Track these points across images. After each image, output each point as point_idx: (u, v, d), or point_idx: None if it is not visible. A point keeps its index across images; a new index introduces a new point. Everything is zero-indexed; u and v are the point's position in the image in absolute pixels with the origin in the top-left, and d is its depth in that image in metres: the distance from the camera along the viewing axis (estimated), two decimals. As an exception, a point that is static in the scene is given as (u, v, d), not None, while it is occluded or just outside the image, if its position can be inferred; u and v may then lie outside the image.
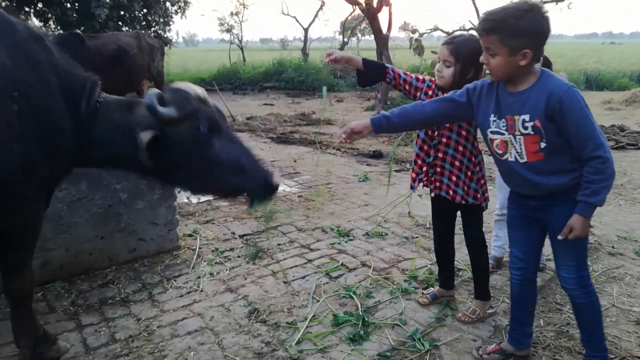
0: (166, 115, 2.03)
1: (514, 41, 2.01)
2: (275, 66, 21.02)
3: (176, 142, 2.06)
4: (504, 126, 2.20)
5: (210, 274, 3.45)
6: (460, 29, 22.93)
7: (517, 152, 2.18)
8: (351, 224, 4.40)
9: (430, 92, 2.74)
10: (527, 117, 2.11)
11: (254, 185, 2.15)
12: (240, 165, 2.13)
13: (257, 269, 3.53)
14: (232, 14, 28.05)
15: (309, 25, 27.86)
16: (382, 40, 13.99)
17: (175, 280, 3.35)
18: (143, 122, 2.07)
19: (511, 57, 2.04)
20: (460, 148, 2.68)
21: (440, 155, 2.73)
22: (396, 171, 6.48)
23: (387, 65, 2.84)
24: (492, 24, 2.04)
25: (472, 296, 3.05)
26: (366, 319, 2.84)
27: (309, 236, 4.13)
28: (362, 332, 2.73)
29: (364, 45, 25.40)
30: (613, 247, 4.02)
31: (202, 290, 3.22)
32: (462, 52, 2.55)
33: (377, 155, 7.40)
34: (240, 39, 28.42)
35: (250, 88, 19.59)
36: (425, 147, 2.78)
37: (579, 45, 69.80)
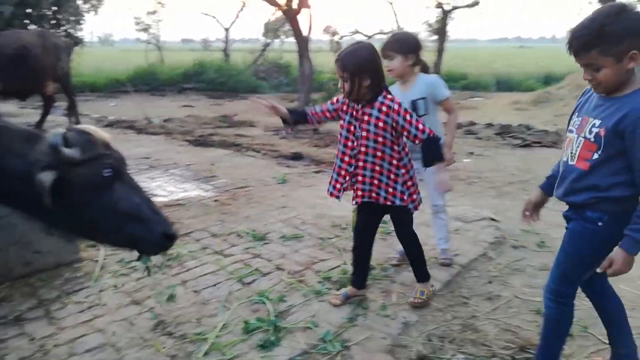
0: (69, 156, 1.93)
1: (617, 48, 1.85)
2: (196, 67, 20.48)
3: (75, 186, 1.97)
4: (577, 125, 2.10)
5: (114, 286, 3.26)
6: (379, 32, 23.59)
7: (572, 153, 2.09)
8: (267, 227, 4.33)
9: (345, 107, 2.83)
10: (597, 122, 1.98)
11: (151, 236, 2.07)
12: (139, 215, 2.04)
13: (166, 278, 3.37)
14: (148, 12, 26.99)
15: (230, 26, 27.43)
16: (302, 43, 14.03)
17: (75, 295, 3.12)
18: (43, 160, 1.94)
19: (618, 64, 1.87)
20: (379, 154, 2.75)
21: (360, 164, 2.80)
22: (315, 172, 6.50)
23: (305, 110, 2.97)
24: (586, 39, 1.88)
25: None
26: (278, 324, 2.79)
27: (223, 242, 4.02)
28: (273, 338, 2.67)
29: (288, 47, 25.37)
30: (516, 240, 4.22)
31: (104, 305, 3.03)
32: (350, 67, 2.65)
33: (297, 157, 7.37)
34: (157, 38, 27.50)
35: (169, 89, 18.92)
36: (346, 158, 2.84)
37: (491, 49, 73.94)
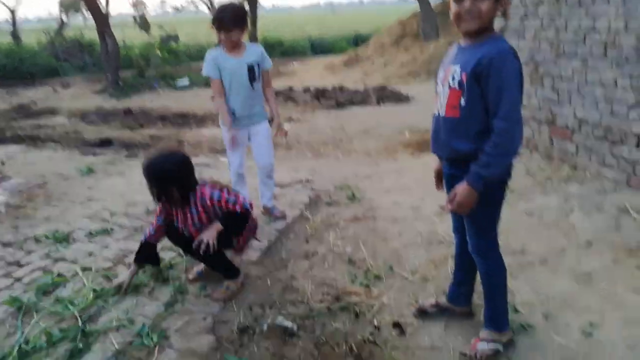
0: None
1: None
2: (-21, 53, 17.58)
3: None
4: (441, 77, 2.11)
5: None
6: (191, 2, 22.62)
7: (440, 105, 2.10)
8: (71, 225, 3.92)
9: (168, 211, 2.95)
10: (458, 68, 2.01)
11: None
12: None
13: (-55, 305, 2.86)
14: None
15: (16, 4, 24.06)
16: (101, 19, 12.85)
17: None
18: None
19: (496, 3, 1.94)
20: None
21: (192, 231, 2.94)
22: (126, 157, 6.06)
23: (143, 242, 2.96)
24: None
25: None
26: (86, 329, 2.55)
27: (17, 250, 3.53)
28: (81, 345, 2.44)
29: (92, 24, 22.76)
30: (330, 197, 4.45)
31: None
32: (154, 180, 2.73)
33: (105, 142, 6.79)
34: None
35: (-54, 81, 15.99)
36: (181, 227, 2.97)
37: (305, 16, 76.30)
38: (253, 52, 3.57)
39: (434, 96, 2.22)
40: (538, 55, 4.45)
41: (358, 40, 23.44)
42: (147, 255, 2.98)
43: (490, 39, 1.99)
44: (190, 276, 3.07)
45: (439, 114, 2.13)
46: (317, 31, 28.34)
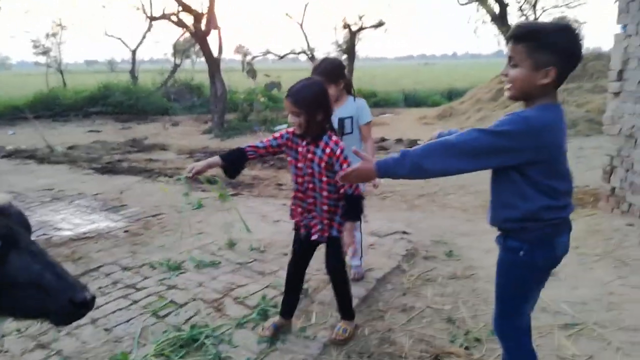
0: None
1: (540, 55, 1.81)
2: (101, 90, 19.59)
3: None
4: None
5: (18, 330, 3.02)
6: (291, 52, 23.94)
7: None
8: (183, 255, 4.22)
9: (290, 143, 2.79)
10: None
11: (57, 307, 1.86)
12: (41, 284, 1.82)
13: (74, 318, 3.17)
14: (48, 35, 25.44)
15: (137, 47, 26.63)
16: (213, 64, 13.94)
17: (-30, 346, 2.86)
18: None
19: (533, 71, 1.83)
20: (325, 193, 2.74)
21: (310, 200, 2.79)
22: (232, 195, 6.43)
23: (242, 147, 2.83)
24: (523, 31, 1.87)
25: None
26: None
27: (135, 274, 3.86)
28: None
29: (200, 68, 24.94)
30: (427, 251, 4.43)
31: (7, 351, 2.80)
32: (301, 101, 2.61)
33: (212, 180, 7.24)
34: (58, 61, 26.05)
35: (73, 114, 17.91)
36: (299, 194, 2.83)
37: (398, 67, 77.39)
38: (350, 106, 3.57)
39: None
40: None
41: (452, 94, 23.38)
42: (234, 160, 2.82)
43: (533, 106, 1.88)
44: (267, 332, 2.96)
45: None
46: (411, 84, 28.66)
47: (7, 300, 1.81)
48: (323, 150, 2.67)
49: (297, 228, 2.97)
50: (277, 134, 2.84)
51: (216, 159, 2.81)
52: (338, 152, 2.64)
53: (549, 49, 1.80)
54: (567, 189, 1.94)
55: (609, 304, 3.33)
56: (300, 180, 2.79)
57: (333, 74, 3.41)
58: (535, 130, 1.79)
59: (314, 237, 2.83)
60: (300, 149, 2.74)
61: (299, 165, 2.76)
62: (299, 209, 2.86)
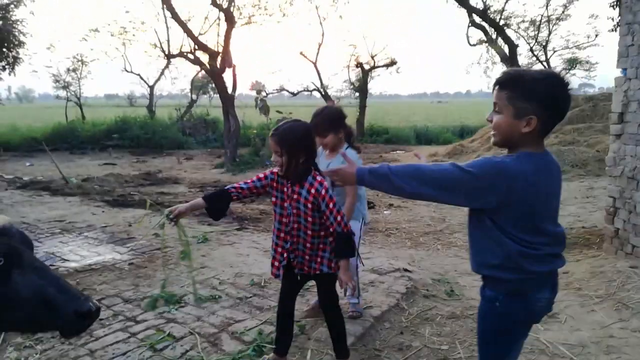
0: None
1: (522, 103, 1.79)
2: (119, 123, 20.10)
3: None
4: None
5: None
6: (304, 90, 24.39)
7: None
8: (184, 289, 4.26)
9: (274, 184, 2.81)
10: None
11: (62, 319, 1.93)
12: (45, 298, 1.87)
13: (73, 349, 3.22)
14: (68, 70, 26.23)
15: (155, 83, 27.34)
16: (228, 100, 14.29)
17: (-32, 375, 2.92)
18: None
19: (515, 119, 1.81)
20: (309, 232, 2.76)
21: (294, 239, 2.80)
22: (237, 229, 6.50)
23: (225, 188, 2.84)
24: (506, 77, 1.86)
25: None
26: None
27: (136, 307, 3.90)
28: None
29: (216, 103, 25.53)
30: (427, 289, 4.42)
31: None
32: (284, 141, 2.65)
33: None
34: (78, 95, 26.80)
35: (90, 147, 18.36)
36: (282, 234, 2.83)
37: (411, 104, 78.09)
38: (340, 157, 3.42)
39: None
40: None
41: (463, 132, 23.50)
42: (217, 201, 2.80)
43: (514, 154, 1.86)
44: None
45: None
46: (423, 120, 28.89)
47: (13, 315, 1.86)
48: (308, 191, 2.69)
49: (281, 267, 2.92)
50: (261, 175, 2.86)
51: (199, 201, 2.81)
52: (323, 192, 2.66)
53: (529, 97, 1.78)
54: (549, 242, 1.85)
55: (608, 347, 3.29)
56: (285, 220, 2.80)
57: (333, 123, 3.42)
58: (502, 177, 1.77)
59: (296, 271, 2.85)
60: (285, 189, 2.77)
61: (285, 205, 2.78)
62: (279, 249, 2.85)
